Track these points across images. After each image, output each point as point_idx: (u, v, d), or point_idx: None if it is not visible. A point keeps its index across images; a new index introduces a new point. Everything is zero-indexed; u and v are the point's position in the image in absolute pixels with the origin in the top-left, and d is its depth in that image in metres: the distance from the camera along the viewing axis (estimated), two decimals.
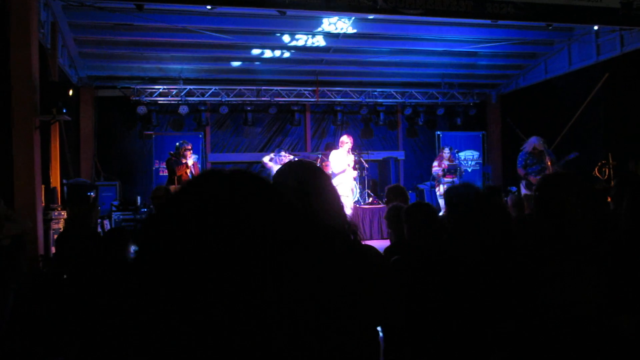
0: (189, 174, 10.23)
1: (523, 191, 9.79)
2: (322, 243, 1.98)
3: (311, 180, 2.12)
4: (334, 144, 14.07)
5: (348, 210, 10.47)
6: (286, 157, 11.92)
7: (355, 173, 11.31)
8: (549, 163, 9.98)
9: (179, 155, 10.18)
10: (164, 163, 11.95)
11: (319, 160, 12.65)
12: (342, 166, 10.71)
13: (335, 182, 9.55)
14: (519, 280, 2.68)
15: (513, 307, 2.71)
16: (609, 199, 4.83)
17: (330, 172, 12.52)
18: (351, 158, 11.00)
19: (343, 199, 9.34)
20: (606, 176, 10.55)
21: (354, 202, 11.70)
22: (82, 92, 13.11)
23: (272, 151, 12.59)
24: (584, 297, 2.50)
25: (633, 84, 10.70)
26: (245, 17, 10.30)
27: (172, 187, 9.80)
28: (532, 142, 10.14)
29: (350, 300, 1.97)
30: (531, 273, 2.62)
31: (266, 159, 12.01)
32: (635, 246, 3.21)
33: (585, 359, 2.46)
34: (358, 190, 12.43)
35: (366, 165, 12.83)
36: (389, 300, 2.16)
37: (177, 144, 10.37)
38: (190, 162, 10.11)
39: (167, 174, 10.89)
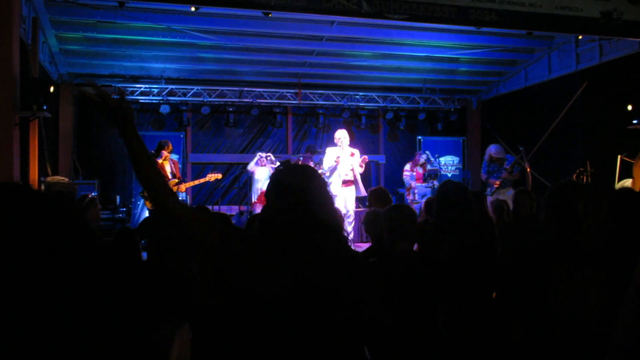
0: (169, 173, 10.21)
1: (489, 198, 9.96)
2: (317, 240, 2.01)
3: (306, 182, 2.17)
4: (314, 147, 14.11)
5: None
6: (267, 159, 11.92)
7: (350, 166, 10.28)
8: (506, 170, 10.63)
9: (158, 153, 10.23)
10: None
11: (299, 162, 12.63)
12: (329, 162, 10.27)
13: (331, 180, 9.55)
14: (524, 284, 2.74)
15: (516, 309, 2.77)
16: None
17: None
18: (347, 152, 10.33)
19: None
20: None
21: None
22: (62, 89, 13.00)
23: (253, 153, 12.58)
24: (592, 302, 2.56)
25: (611, 93, 10.86)
26: (229, 18, 10.29)
27: None
28: (489, 151, 10.92)
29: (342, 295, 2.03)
30: (539, 277, 2.69)
31: (251, 165, 11.99)
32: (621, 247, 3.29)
33: None
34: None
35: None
36: (374, 298, 2.20)
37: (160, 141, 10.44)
38: (160, 160, 10.09)
39: None
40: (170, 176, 10.23)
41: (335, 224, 2.25)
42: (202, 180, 11.04)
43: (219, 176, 11.22)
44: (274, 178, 2.29)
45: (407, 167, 12.80)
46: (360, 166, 10.28)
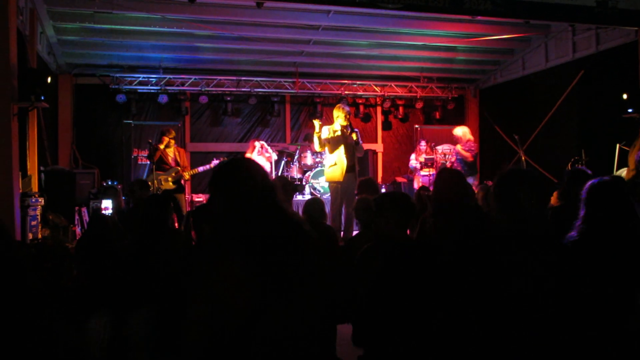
0: (171, 160, 10.31)
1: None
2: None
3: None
4: (312, 136, 14.13)
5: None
6: (262, 148, 11.95)
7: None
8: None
9: (159, 139, 10.49)
10: (145, 151, 12.18)
11: (298, 150, 12.68)
12: (319, 144, 9.09)
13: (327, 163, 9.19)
14: (482, 271, 2.79)
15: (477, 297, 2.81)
16: (555, 195, 4.96)
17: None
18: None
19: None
20: None
21: None
22: (60, 79, 13.06)
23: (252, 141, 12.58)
24: (543, 286, 2.61)
25: (607, 82, 10.89)
26: (225, 8, 10.32)
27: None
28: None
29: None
30: (492, 264, 2.73)
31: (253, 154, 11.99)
32: (596, 234, 3.35)
33: (544, 344, 2.58)
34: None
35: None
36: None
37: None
38: (162, 146, 10.30)
39: (146, 162, 10.91)
40: (173, 163, 10.32)
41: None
42: (206, 167, 11.06)
43: (224, 158, 11.31)
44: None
45: (413, 156, 12.92)
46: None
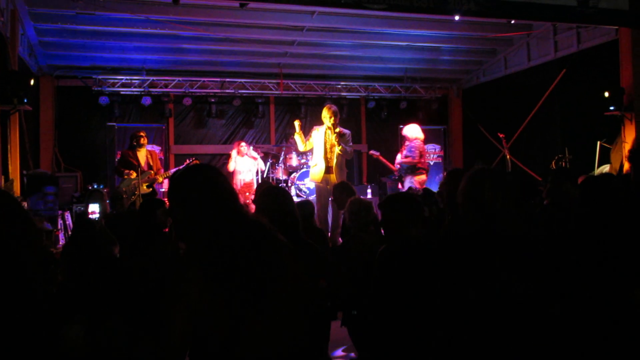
0: (144, 164, 10.20)
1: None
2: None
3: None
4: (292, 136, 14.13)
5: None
6: (242, 148, 11.94)
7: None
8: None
9: (131, 144, 10.37)
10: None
11: (283, 152, 12.66)
12: (302, 144, 9.19)
13: (311, 163, 9.25)
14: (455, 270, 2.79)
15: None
16: (544, 193, 4.99)
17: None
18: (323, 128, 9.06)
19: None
20: None
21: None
22: (42, 81, 12.93)
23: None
24: (515, 285, 2.60)
25: (589, 80, 11.00)
26: (209, 9, 10.29)
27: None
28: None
29: None
30: (463, 263, 2.73)
31: (231, 165, 11.93)
32: (590, 230, 3.37)
33: (518, 341, 2.58)
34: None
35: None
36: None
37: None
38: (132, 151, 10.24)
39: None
40: (146, 167, 10.20)
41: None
42: (180, 169, 10.99)
43: (197, 162, 11.28)
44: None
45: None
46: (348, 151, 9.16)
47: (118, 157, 12.97)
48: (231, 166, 11.86)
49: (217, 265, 2.14)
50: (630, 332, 3.11)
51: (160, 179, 10.42)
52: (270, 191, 3.96)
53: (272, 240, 2.32)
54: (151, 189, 10.21)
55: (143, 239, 4.39)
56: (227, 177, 2.48)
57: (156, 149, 13.12)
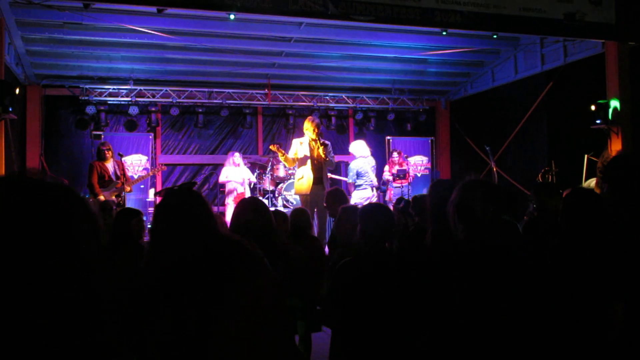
0: (111, 174, 10.12)
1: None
2: None
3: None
4: (285, 147, 14.13)
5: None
6: (237, 159, 11.97)
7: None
8: None
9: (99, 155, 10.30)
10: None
11: (269, 163, 12.67)
12: (290, 163, 9.28)
13: (297, 176, 9.26)
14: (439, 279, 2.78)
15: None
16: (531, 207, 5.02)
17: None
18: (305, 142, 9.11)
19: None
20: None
21: None
22: (29, 90, 12.87)
23: (224, 154, 12.57)
24: (501, 296, 2.60)
25: (576, 93, 11.07)
26: (196, 19, 10.28)
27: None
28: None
29: None
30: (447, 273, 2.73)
31: (222, 177, 11.99)
32: (573, 248, 3.38)
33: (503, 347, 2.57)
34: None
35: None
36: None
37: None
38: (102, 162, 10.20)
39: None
40: (113, 177, 10.13)
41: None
42: (146, 176, 11.74)
43: (164, 168, 11.86)
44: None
45: (386, 168, 12.91)
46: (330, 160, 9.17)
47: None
48: (222, 177, 11.90)
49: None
50: (610, 345, 3.12)
51: (129, 188, 10.31)
52: (244, 203, 4.02)
53: (243, 253, 2.30)
54: (120, 199, 10.13)
55: (115, 250, 4.35)
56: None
57: (143, 159, 13.09)
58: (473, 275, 2.62)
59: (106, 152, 10.22)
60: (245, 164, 12.32)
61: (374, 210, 3.68)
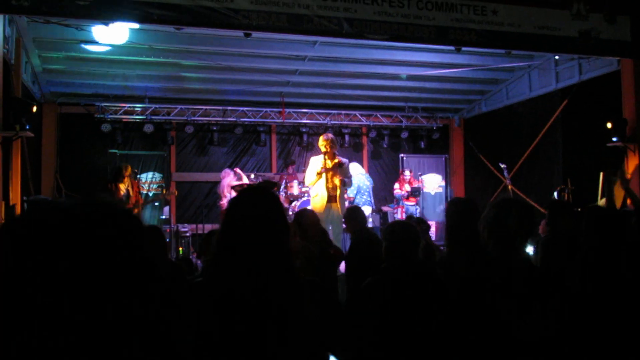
0: (123, 196, 10.07)
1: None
2: None
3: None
4: (298, 165, 14.16)
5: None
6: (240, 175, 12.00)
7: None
8: None
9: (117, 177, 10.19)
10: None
11: (284, 180, 12.67)
12: (310, 176, 9.17)
13: (312, 193, 9.22)
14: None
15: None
16: (541, 226, 4.97)
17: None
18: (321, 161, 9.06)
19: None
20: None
21: None
22: (45, 108, 12.98)
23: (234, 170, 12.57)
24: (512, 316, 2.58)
25: (591, 111, 11.00)
26: (212, 38, 10.35)
27: None
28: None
29: None
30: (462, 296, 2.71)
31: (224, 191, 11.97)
32: (602, 262, 3.33)
33: None
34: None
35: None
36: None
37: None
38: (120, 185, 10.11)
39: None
40: (124, 198, 10.10)
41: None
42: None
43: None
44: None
45: (396, 185, 12.89)
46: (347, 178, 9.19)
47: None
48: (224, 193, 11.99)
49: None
50: None
51: (136, 211, 10.19)
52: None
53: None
54: None
55: None
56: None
57: (157, 176, 13.15)
58: (515, 294, 2.60)
59: (125, 177, 10.15)
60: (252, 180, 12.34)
61: (403, 226, 3.62)
